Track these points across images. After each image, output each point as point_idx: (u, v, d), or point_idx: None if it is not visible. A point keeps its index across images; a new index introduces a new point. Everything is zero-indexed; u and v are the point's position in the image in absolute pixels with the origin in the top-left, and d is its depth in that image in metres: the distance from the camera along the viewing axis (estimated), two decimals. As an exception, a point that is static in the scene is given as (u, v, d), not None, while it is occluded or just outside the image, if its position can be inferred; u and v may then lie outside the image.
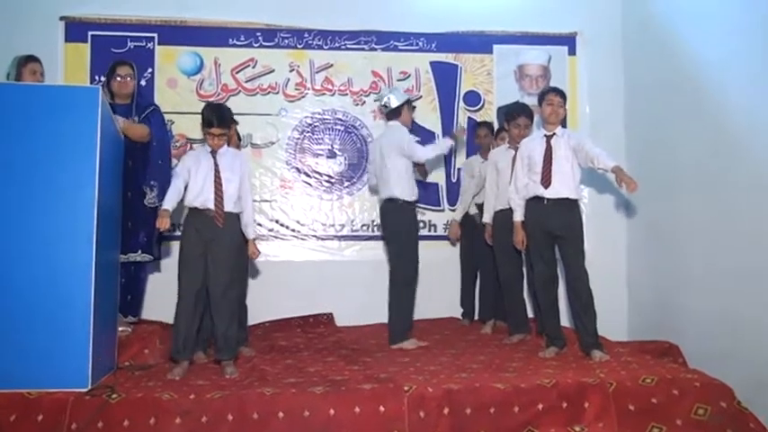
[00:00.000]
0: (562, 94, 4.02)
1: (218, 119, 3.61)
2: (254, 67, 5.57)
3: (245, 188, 3.75)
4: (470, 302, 5.33)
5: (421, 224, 5.39)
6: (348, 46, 5.67)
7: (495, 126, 5.33)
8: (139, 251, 4.11)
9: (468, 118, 5.73)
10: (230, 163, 3.69)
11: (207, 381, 3.37)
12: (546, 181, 3.93)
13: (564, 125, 4.16)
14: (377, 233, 5.53)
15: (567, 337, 4.12)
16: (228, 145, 4.04)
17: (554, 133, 4.00)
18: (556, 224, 3.93)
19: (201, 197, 3.60)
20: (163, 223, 3.46)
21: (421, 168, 4.79)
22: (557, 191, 3.92)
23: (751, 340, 3.97)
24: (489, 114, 5.71)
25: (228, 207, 3.63)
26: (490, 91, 5.79)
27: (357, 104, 5.67)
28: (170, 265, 5.07)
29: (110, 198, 3.46)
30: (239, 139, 4.54)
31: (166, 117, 5.24)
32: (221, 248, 3.60)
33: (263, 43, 5.58)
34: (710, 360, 4.03)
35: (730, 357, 4.03)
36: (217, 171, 3.63)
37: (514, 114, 4.54)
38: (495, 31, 5.80)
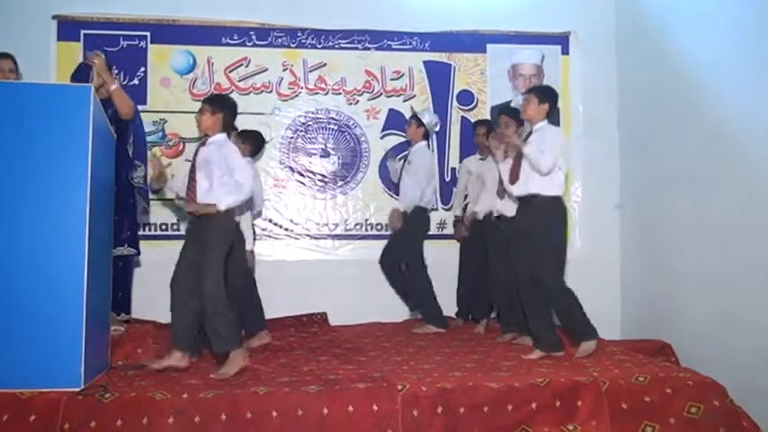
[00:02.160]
0: (530, 92, 4.10)
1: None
2: (247, 66, 5.55)
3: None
4: (466, 302, 5.31)
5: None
6: (341, 45, 5.66)
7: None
8: (126, 245, 4.09)
9: (462, 117, 5.74)
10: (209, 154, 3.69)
11: (200, 380, 3.36)
12: (513, 177, 3.99)
13: (554, 121, 4.17)
14: (370, 232, 5.54)
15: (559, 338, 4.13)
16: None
17: (530, 132, 4.05)
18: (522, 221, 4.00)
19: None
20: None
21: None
22: (524, 188, 3.96)
23: (744, 341, 3.98)
24: (483, 114, 5.70)
25: (200, 197, 3.59)
26: (483, 90, 5.79)
27: (350, 104, 5.66)
28: (160, 263, 5.07)
29: (102, 196, 3.44)
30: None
31: (159, 116, 5.33)
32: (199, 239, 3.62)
33: (257, 42, 5.56)
34: (703, 359, 4.04)
35: (723, 357, 4.04)
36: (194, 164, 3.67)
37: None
38: (489, 30, 5.79)
